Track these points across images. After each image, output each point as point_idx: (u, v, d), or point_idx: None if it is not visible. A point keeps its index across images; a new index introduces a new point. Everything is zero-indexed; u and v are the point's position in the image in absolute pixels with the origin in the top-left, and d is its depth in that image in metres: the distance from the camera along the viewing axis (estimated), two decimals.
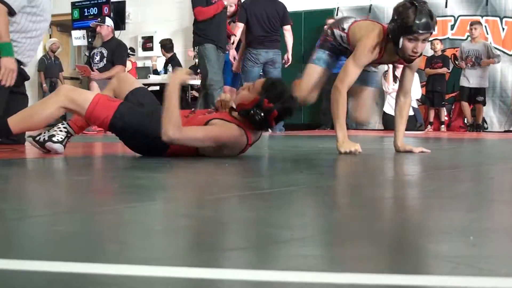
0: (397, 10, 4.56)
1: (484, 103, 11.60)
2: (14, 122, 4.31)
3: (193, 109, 4.66)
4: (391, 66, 12.29)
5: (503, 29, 11.69)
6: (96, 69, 10.60)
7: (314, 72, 5.15)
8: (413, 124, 12.13)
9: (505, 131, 11.60)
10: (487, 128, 11.90)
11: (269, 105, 4.03)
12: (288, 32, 10.17)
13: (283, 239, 1.52)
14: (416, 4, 4.42)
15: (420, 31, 4.34)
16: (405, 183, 2.94)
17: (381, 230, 1.66)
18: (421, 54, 4.66)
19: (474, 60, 11.28)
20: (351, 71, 4.74)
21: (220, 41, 9.28)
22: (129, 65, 12.73)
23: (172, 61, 13.24)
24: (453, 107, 12.59)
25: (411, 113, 12.17)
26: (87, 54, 11.44)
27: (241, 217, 1.87)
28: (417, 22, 4.34)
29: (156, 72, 13.22)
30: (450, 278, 1.13)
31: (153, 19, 15.35)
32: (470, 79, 11.40)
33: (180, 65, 13.25)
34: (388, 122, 12.32)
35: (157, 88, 13.24)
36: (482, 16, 11.94)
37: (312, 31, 13.22)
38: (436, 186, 2.82)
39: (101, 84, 10.25)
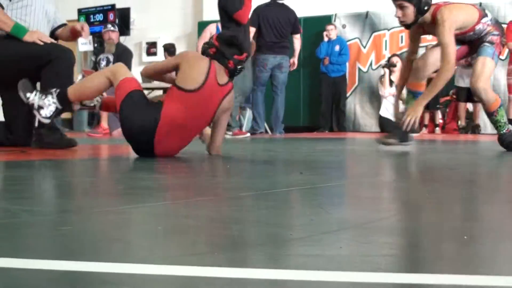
0: None
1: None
2: (71, 91, 4.49)
3: None
4: (387, 70, 12.30)
5: None
6: None
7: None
8: None
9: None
10: (480, 131, 11.89)
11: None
12: (298, 40, 10.26)
13: (283, 238, 1.52)
14: None
15: None
16: (401, 184, 2.94)
17: (380, 230, 1.65)
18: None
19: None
20: None
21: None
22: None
23: None
24: (447, 110, 12.59)
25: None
26: (93, 59, 11.43)
27: (242, 217, 1.87)
28: None
29: None
30: (446, 276, 1.12)
31: (157, 25, 15.34)
32: (466, 79, 11.38)
33: None
34: (385, 125, 12.33)
35: (161, 92, 13.25)
36: None
37: (311, 37, 13.23)
38: (432, 187, 2.82)
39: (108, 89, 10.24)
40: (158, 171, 3.64)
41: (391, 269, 1.22)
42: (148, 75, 4.70)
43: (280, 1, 10.23)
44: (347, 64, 12.87)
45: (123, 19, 13.97)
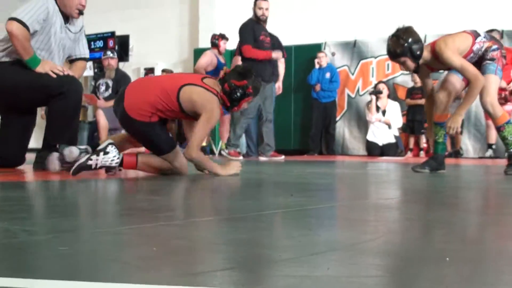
0: None
1: (461, 132, 11.65)
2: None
3: None
4: (374, 97, 12.35)
5: None
6: (102, 98, 10.63)
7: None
8: (394, 150, 12.16)
9: (479, 157, 11.63)
10: (463, 155, 11.92)
11: (242, 82, 4.83)
12: (282, 64, 10.12)
13: (273, 259, 1.52)
14: None
15: None
16: (386, 207, 2.94)
17: (367, 252, 1.65)
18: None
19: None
20: None
21: (265, 76, 9.31)
22: None
23: None
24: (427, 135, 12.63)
25: (393, 140, 12.23)
26: (93, 84, 11.46)
27: (233, 238, 1.86)
28: None
29: None
30: None
31: (155, 51, 15.39)
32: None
33: None
34: (371, 149, 12.36)
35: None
36: None
37: (303, 64, 13.28)
38: (417, 209, 2.82)
39: (106, 112, 10.28)
40: (154, 192, 3.63)
41: None
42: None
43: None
44: (337, 90, 12.92)
45: (123, 46, 14.01)
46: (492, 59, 5.40)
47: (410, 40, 5.31)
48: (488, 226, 2.28)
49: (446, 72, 5.78)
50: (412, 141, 12.39)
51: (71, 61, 5.69)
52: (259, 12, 9.39)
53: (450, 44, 5.32)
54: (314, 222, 2.28)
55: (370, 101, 12.48)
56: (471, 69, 5.27)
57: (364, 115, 12.82)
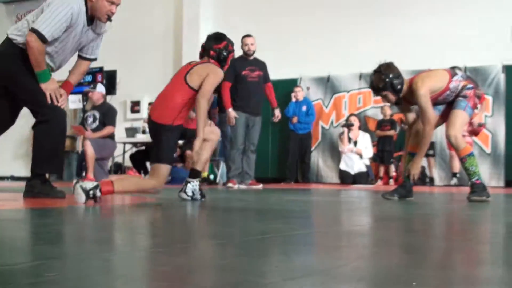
0: None
1: (433, 155, 11.75)
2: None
3: None
4: (346, 129, 12.41)
5: None
6: (90, 129, 10.62)
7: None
8: (365, 178, 12.19)
9: (444, 185, 11.69)
10: (428, 182, 11.98)
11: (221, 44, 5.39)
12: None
13: (250, 285, 1.50)
14: None
15: None
16: (358, 233, 2.94)
17: (339, 277, 1.64)
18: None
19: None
20: None
21: (250, 108, 9.40)
22: None
23: None
24: (400, 164, 12.68)
25: (364, 169, 12.27)
26: (82, 115, 11.44)
27: (213, 264, 1.85)
28: None
29: (145, 131, 13.22)
30: None
31: (141, 86, 15.40)
32: None
33: None
34: (344, 178, 12.38)
35: (143, 147, 13.25)
36: None
37: (280, 97, 13.30)
38: (386, 235, 2.82)
39: (93, 143, 10.25)
40: (138, 219, 3.61)
41: None
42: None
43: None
44: (312, 122, 12.97)
45: (110, 80, 13.99)
46: (465, 97, 5.51)
47: (391, 75, 5.43)
48: (454, 252, 2.28)
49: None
50: (382, 170, 12.43)
51: (79, 56, 5.56)
52: (245, 48, 9.54)
53: (426, 85, 5.41)
54: (291, 248, 2.27)
55: (343, 133, 12.54)
56: (430, 115, 5.42)
57: (337, 146, 12.87)
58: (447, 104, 5.65)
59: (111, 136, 10.79)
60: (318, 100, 13.33)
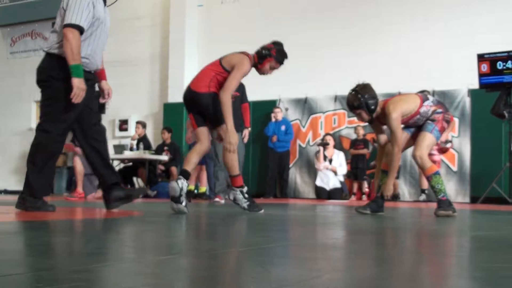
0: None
1: (397, 177, 11.77)
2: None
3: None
4: (321, 148, 12.43)
5: None
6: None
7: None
8: (340, 194, 12.20)
9: (414, 201, 11.73)
10: (399, 198, 12.03)
11: (270, 46, 5.86)
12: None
13: None
14: None
15: None
16: (332, 246, 2.93)
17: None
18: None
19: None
20: None
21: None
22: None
23: (144, 140, 13.32)
24: (372, 180, 12.73)
25: (339, 185, 12.28)
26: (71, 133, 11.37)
27: (192, 275, 1.84)
28: None
29: (132, 149, 13.18)
30: None
31: (128, 105, 15.39)
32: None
33: (149, 144, 13.26)
34: (320, 193, 12.39)
35: (131, 164, 13.19)
36: None
37: (260, 117, 13.36)
38: (358, 248, 2.82)
39: (83, 159, 10.18)
40: (126, 232, 3.58)
41: None
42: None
43: None
44: (290, 141, 13.00)
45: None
46: (433, 120, 5.56)
47: (366, 95, 5.50)
48: (422, 264, 2.28)
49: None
50: (355, 186, 12.47)
51: None
52: None
53: (398, 109, 5.47)
54: (267, 260, 2.26)
55: (318, 151, 12.57)
56: (399, 137, 5.48)
57: (314, 163, 12.89)
58: (416, 127, 5.69)
59: None
60: (296, 120, 13.38)
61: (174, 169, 13.21)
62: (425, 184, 11.30)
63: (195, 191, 11.23)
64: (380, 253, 2.61)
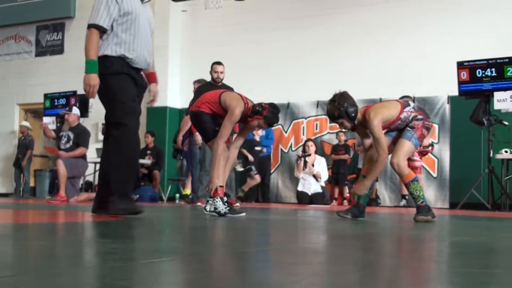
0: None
1: (377, 180, 11.81)
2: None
3: None
4: (302, 159, 12.40)
5: None
6: (63, 149, 10.51)
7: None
8: (321, 199, 12.21)
9: (394, 206, 11.77)
10: (380, 203, 12.06)
11: (266, 105, 5.96)
12: None
13: None
14: None
15: None
16: (313, 250, 2.93)
17: None
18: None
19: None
20: None
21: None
22: None
23: None
24: (353, 185, 12.75)
25: (320, 190, 12.29)
26: (54, 135, 11.31)
27: (170, 280, 1.82)
28: None
29: None
30: None
31: None
32: None
33: None
34: (302, 198, 12.39)
35: None
36: None
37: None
38: (338, 253, 2.82)
39: (66, 162, 10.13)
40: (108, 235, 3.55)
41: None
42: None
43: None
44: (272, 146, 13.00)
45: (83, 103, 13.86)
46: (412, 127, 5.56)
47: (345, 104, 5.50)
48: (402, 269, 2.28)
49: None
50: (336, 191, 12.49)
51: None
52: (215, 75, 9.32)
53: (378, 115, 5.46)
54: (248, 264, 2.25)
55: (299, 159, 12.55)
56: (383, 143, 5.45)
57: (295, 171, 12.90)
58: (398, 131, 5.70)
59: (83, 156, 10.70)
60: (278, 126, 13.38)
61: (156, 173, 13.17)
62: (405, 190, 11.32)
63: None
64: (360, 258, 2.61)
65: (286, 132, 13.46)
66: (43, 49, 16.70)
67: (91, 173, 13.15)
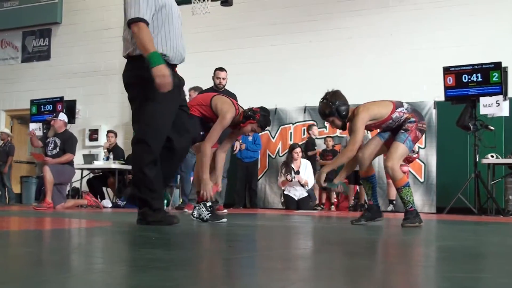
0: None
1: (360, 183, 11.82)
2: None
3: None
4: (284, 167, 12.35)
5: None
6: (50, 155, 10.46)
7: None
8: (308, 203, 12.20)
9: (382, 211, 11.75)
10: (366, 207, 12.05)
11: (256, 109, 5.96)
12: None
13: None
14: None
15: None
16: (299, 256, 2.92)
17: None
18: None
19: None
20: None
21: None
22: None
23: (115, 150, 13.30)
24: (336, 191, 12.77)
25: (305, 194, 12.27)
26: (41, 144, 11.27)
27: (158, 285, 1.81)
28: None
29: (109, 158, 13.07)
30: None
31: (98, 115, 15.30)
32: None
33: (121, 153, 13.21)
34: (289, 203, 12.37)
35: (100, 173, 13.09)
36: None
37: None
38: (325, 259, 2.81)
39: (52, 169, 10.07)
40: (94, 242, 3.53)
41: None
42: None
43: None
44: (259, 151, 13.00)
45: (70, 109, 13.83)
46: (406, 130, 5.54)
47: (337, 102, 5.51)
48: (389, 275, 2.28)
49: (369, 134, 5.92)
50: (324, 196, 12.49)
51: None
52: (217, 81, 9.39)
53: (368, 110, 5.49)
54: (234, 270, 2.24)
55: (283, 166, 12.49)
56: (358, 139, 5.45)
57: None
58: (391, 133, 5.68)
59: (70, 163, 10.65)
60: (266, 131, 13.38)
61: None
62: (393, 195, 11.37)
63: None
64: (348, 263, 2.61)
65: (273, 138, 13.47)
66: (29, 55, 16.63)
67: (78, 179, 13.10)
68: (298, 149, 12.41)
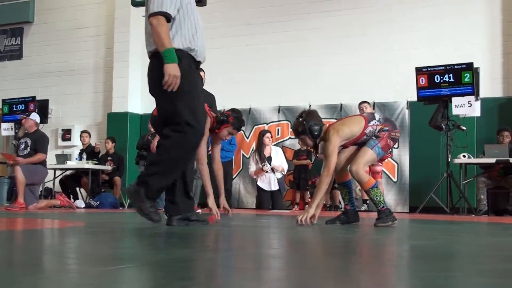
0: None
1: (335, 187, 11.87)
2: None
3: None
4: (255, 155, 12.39)
5: None
6: (21, 155, 10.38)
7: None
8: (280, 199, 12.19)
9: (360, 211, 11.82)
10: (341, 208, 12.10)
11: (228, 112, 6.04)
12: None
13: None
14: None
15: None
16: (273, 256, 2.93)
17: None
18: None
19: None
20: None
21: None
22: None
23: (87, 149, 13.24)
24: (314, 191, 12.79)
25: (277, 186, 12.26)
26: (14, 143, 11.16)
27: (139, 286, 1.80)
28: None
29: (82, 158, 12.98)
30: None
31: (72, 115, 15.18)
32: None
33: (94, 154, 13.14)
34: (261, 195, 12.35)
35: (73, 172, 13.00)
36: (336, 119, 12.30)
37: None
38: (298, 258, 2.82)
39: (24, 169, 9.99)
40: (67, 243, 3.51)
41: None
42: None
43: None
44: (234, 151, 12.98)
45: (42, 109, 13.69)
46: (377, 137, 5.60)
47: (311, 122, 5.58)
48: (361, 274, 2.29)
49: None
50: (298, 196, 12.52)
51: None
52: None
53: (339, 133, 5.52)
54: (208, 270, 2.24)
55: (254, 153, 12.50)
56: (331, 164, 5.45)
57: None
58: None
59: (43, 163, 10.56)
60: (240, 131, 13.37)
61: (117, 179, 13.06)
62: (366, 195, 11.42)
63: None
64: (321, 262, 2.62)
65: (247, 138, 13.46)
66: (1, 54, 16.44)
67: (50, 179, 12.99)
68: (268, 134, 12.41)
